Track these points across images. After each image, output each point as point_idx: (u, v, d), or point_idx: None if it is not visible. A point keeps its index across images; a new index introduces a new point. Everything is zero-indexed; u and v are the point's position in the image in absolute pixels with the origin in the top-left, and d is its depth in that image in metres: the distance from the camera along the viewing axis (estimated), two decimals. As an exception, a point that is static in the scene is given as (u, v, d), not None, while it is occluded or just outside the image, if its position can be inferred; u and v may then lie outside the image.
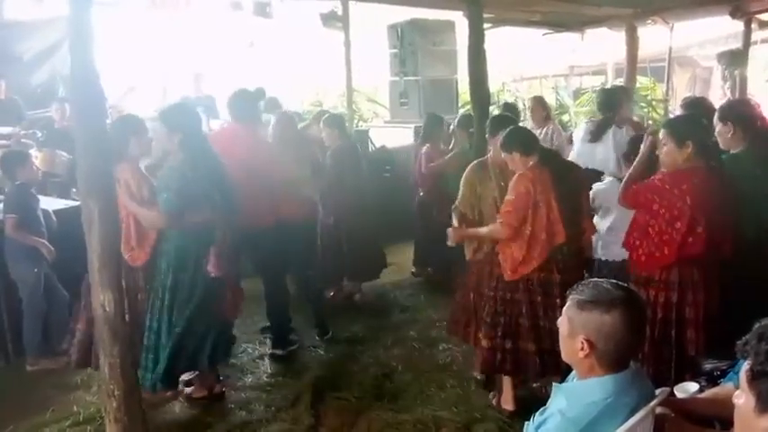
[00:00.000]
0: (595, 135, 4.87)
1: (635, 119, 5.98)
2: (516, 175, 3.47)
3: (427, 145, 5.89)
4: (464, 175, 3.92)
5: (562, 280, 3.37)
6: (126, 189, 3.49)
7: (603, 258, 4.10)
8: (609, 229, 4.02)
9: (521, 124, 4.66)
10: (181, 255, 3.60)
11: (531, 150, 3.45)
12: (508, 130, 3.55)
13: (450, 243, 3.77)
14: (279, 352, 4.52)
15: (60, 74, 8.87)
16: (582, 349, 1.78)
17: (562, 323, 1.87)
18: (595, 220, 3.99)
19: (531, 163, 3.43)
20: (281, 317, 4.59)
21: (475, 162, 3.98)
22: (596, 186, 4.13)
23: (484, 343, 3.59)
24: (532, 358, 3.49)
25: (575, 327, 1.81)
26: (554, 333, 3.34)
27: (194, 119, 3.87)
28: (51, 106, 7.05)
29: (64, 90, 8.15)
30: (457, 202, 3.87)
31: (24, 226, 4.15)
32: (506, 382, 3.68)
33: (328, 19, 8.12)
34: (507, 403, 3.68)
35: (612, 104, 5.01)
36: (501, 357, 3.54)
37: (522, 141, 3.48)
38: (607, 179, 4.19)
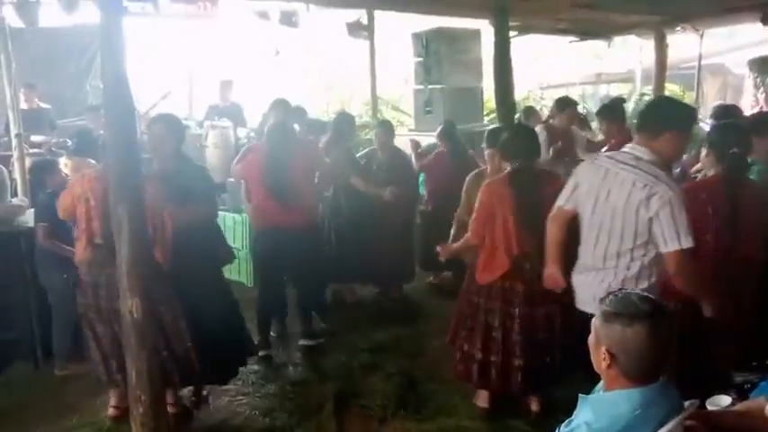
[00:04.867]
0: None
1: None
2: (483, 184, 3.61)
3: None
4: (465, 184, 4.20)
5: (526, 290, 3.46)
6: None
7: None
8: None
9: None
10: None
11: (510, 156, 3.53)
12: (513, 129, 3.76)
13: (441, 258, 3.89)
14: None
15: (90, 82, 9.05)
16: (604, 360, 1.78)
17: (591, 333, 1.87)
18: None
19: (506, 168, 3.55)
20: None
21: (473, 172, 4.27)
22: None
23: (458, 350, 3.77)
24: (487, 367, 3.60)
25: (599, 337, 1.82)
26: (509, 344, 3.49)
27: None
28: (84, 115, 7.18)
29: (93, 99, 8.31)
30: (458, 211, 4.15)
31: (55, 234, 4.22)
32: None
33: (354, 28, 8.18)
34: (482, 401, 3.78)
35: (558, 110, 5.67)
36: (466, 366, 3.69)
37: (512, 141, 3.57)
38: None
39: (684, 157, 6.51)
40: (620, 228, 2.78)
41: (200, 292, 3.63)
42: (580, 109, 11.62)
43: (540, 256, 3.37)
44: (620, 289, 2.57)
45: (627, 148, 2.84)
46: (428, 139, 7.52)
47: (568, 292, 3.50)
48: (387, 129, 5.95)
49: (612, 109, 5.70)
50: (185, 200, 3.61)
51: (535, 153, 3.61)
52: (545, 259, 3.28)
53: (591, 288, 2.94)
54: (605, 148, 5.46)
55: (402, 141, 7.94)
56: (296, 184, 4.42)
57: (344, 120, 5.82)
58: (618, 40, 9.53)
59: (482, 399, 3.79)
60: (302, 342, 4.72)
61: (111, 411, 3.79)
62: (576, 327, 3.38)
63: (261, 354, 4.53)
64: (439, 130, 5.90)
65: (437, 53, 7.89)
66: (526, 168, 3.50)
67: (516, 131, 3.77)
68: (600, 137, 6.35)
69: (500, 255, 3.47)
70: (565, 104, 5.92)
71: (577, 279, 3.05)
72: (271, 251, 4.59)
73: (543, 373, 3.55)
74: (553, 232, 3.13)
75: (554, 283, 3.21)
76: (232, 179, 7.12)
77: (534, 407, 3.71)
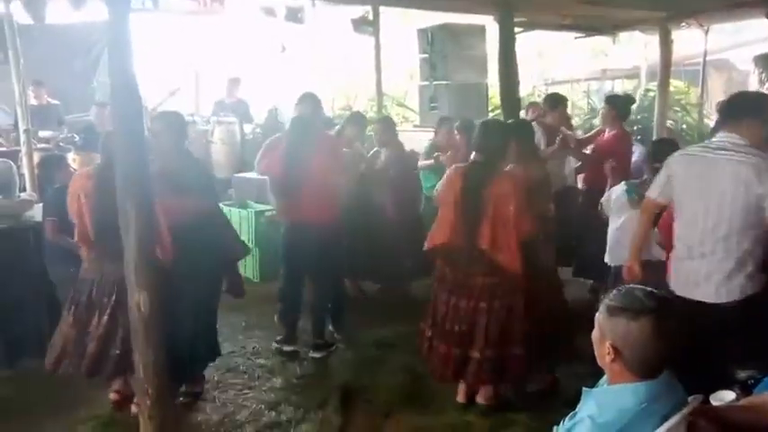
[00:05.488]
0: None
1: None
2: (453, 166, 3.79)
3: None
4: None
5: (454, 280, 3.61)
6: None
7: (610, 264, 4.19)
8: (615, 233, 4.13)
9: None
10: None
11: (476, 147, 3.66)
12: (484, 124, 3.84)
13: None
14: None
15: (97, 79, 9.08)
16: (609, 354, 1.78)
17: (595, 327, 1.87)
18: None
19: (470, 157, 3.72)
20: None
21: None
22: (612, 192, 4.21)
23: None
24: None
25: (603, 332, 1.81)
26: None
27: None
28: (90, 110, 7.21)
29: (101, 95, 8.34)
30: None
31: (63, 229, 4.24)
32: None
33: (359, 24, 8.18)
34: (459, 395, 3.83)
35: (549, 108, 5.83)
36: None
37: (478, 134, 3.69)
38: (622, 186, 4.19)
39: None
40: (728, 210, 2.90)
41: (184, 290, 3.57)
42: (584, 104, 11.67)
43: (474, 253, 3.47)
44: (725, 276, 2.91)
45: (718, 137, 3.03)
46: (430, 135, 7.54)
47: (509, 295, 3.52)
48: (386, 125, 5.83)
49: (618, 100, 5.79)
50: (183, 196, 3.61)
51: (499, 152, 3.60)
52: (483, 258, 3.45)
53: (694, 273, 3.03)
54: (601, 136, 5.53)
55: (407, 137, 7.97)
56: (316, 179, 4.36)
57: (353, 120, 5.79)
58: (623, 36, 9.49)
59: (460, 393, 3.83)
60: (312, 354, 4.58)
61: (112, 396, 3.82)
62: (531, 336, 3.53)
63: (286, 349, 4.59)
64: (457, 124, 5.83)
65: (442, 49, 7.87)
66: (483, 165, 3.55)
67: (486, 128, 3.75)
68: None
69: (437, 230, 3.66)
70: (556, 102, 5.91)
71: (680, 265, 3.12)
72: (292, 246, 4.59)
73: (466, 365, 3.58)
74: (643, 223, 3.33)
75: (631, 275, 3.31)
76: (237, 175, 7.17)
77: (479, 398, 3.76)
